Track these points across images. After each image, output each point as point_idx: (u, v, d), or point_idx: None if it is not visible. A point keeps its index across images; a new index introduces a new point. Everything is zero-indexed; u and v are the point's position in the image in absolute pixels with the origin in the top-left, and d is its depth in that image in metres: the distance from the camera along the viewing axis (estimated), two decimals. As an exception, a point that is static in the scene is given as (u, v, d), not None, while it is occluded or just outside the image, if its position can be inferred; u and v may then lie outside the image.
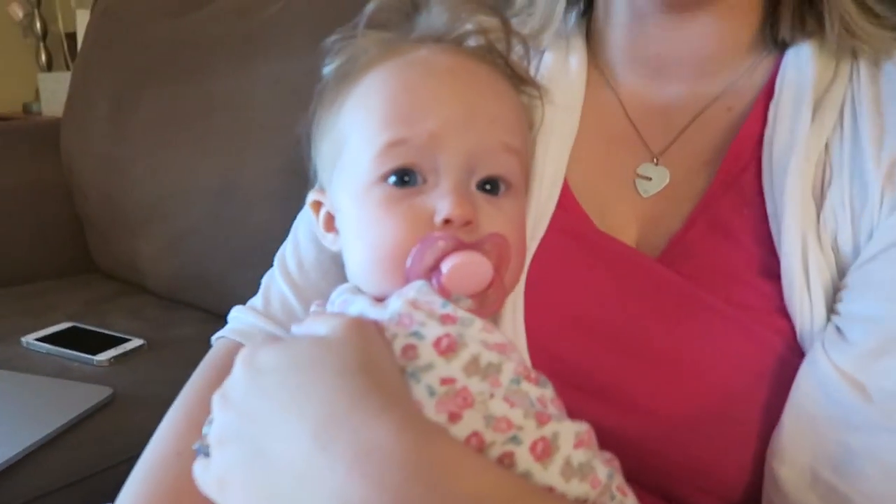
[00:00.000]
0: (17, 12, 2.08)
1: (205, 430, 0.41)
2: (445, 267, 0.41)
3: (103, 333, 1.02)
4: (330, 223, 0.49)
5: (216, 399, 0.40)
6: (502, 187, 0.46)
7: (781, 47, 0.53)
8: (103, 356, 0.94)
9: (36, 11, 2.05)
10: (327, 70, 0.49)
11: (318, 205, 0.50)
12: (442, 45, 0.47)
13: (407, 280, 0.42)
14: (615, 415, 0.46)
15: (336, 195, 0.48)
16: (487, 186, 0.45)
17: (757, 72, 0.54)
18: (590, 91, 0.57)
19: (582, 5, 0.60)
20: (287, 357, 0.39)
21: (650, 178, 0.53)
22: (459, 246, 0.42)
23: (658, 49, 0.55)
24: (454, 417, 0.37)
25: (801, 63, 0.50)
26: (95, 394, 0.83)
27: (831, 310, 0.45)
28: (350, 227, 0.46)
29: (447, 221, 0.41)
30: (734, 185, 0.50)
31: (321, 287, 0.55)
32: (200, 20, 1.23)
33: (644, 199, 0.53)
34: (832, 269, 0.46)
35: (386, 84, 0.45)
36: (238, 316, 0.57)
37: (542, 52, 0.58)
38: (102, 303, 1.18)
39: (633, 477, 0.43)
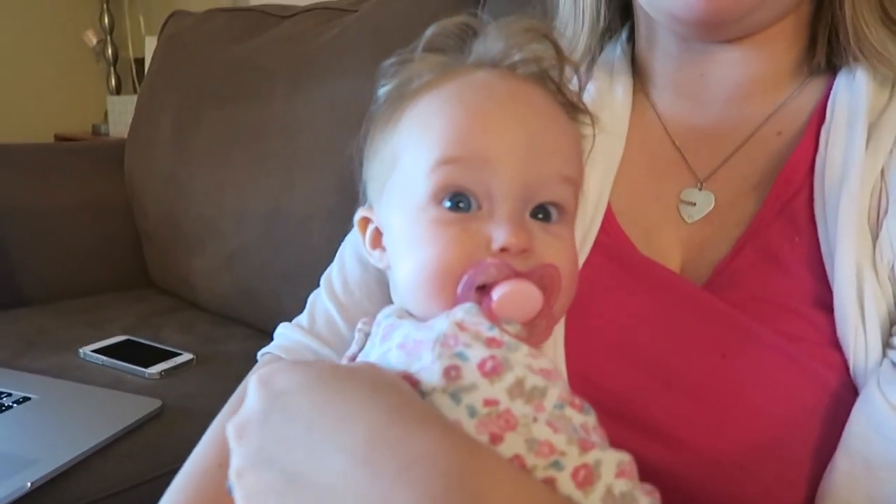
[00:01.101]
0: (91, 39, 2.20)
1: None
2: (496, 294, 0.41)
3: (155, 347, 1.05)
4: (377, 240, 0.49)
5: (231, 431, 0.37)
6: (556, 215, 0.45)
7: (833, 70, 0.52)
8: (154, 369, 0.96)
9: (108, 38, 2.16)
10: (382, 91, 0.49)
11: (365, 222, 0.50)
12: (499, 69, 0.47)
13: (456, 302, 0.42)
14: (657, 448, 0.45)
15: (386, 212, 0.47)
16: (540, 214, 0.44)
17: (806, 95, 0.53)
18: (635, 116, 0.57)
19: (625, 33, 0.60)
20: (310, 377, 0.38)
21: (694, 204, 0.53)
22: (511, 274, 0.42)
23: (700, 73, 0.54)
24: (496, 439, 0.37)
25: (854, 86, 0.49)
26: (146, 405, 0.85)
27: (887, 344, 0.43)
28: (400, 245, 0.46)
29: (503, 250, 0.41)
30: (784, 211, 0.49)
31: (365, 306, 0.55)
32: (259, 46, 1.26)
33: (688, 225, 0.52)
34: (889, 302, 0.44)
35: (445, 104, 0.45)
36: (283, 332, 0.57)
37: (588, 81, 0.58)
38: (156, 317, 1.21)
39: None
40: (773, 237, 0.48)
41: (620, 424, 0.44)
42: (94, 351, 1.03)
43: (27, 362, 0.99)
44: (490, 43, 0.48)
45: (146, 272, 1.41)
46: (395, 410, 0.35)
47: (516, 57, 0.48)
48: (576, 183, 0.47)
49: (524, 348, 0.40)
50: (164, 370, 0.97)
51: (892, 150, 0.46)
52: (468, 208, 0.43)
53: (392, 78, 0.49)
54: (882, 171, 0.46)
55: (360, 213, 0.50)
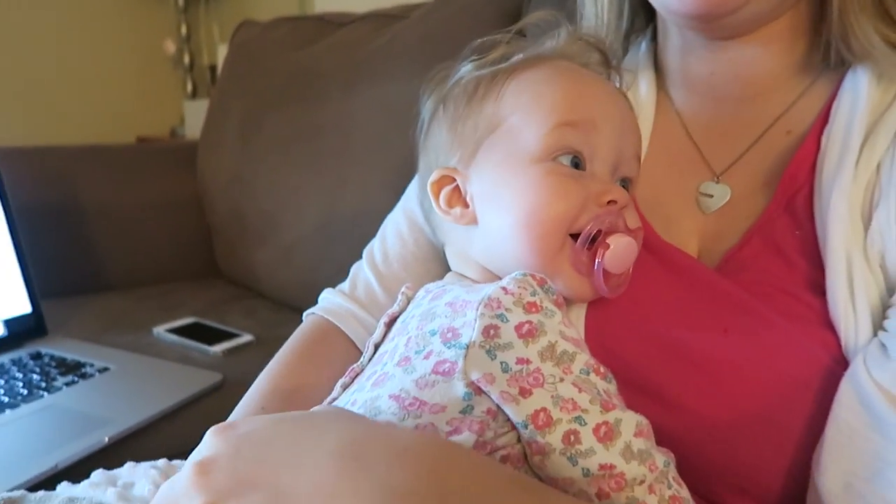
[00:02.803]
0: (170, 47, 2.33)
1: None
2: (613, 242, 0.47)
3: (220, 329, 1.12)
4: (456, 199, 0.52)
5: (189, 477, 0.35)
6: (629, 188, 0.52)
7: (843, 66, 0.53)
8: (217, 348, 1.03)
9: (185, 46, 2.28)
10: (468, 66, 0.54)
11: (444, 181, 0.52)
12: (575, 62, 0.53)
13: (579, 243, 0.47)
14: (661, 412, 0.47)
15: (479, 169, 0.51)
16: (622, 184, 0.51)
17: (816, 94, 0.54)
18: (658, 113, 0.60)
19: (650, 33, 0.63)
20: (273, 419, 0.38)
21: (712, 196, 0.55)
22: (624, 227, 0.48)
23: (711, 72, 0.57)
24: (525, 392, 0.40)
25: (858, 87, 0.50)
26: (208, 378, 0.91)
27: (880, 326, 0.45)
28: (501, 196, 0.50)
29: (611, 202, 0.48)
30: (789, 206, 0.51)
31: (401, 276, 0.61)
32: (317, 52, 1.32)
33: (706, 216, 0.55)
34: (881, 288, 0.46)
35: (553, 78, 0.51)
36: (327, 297, 0.64)
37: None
38: (223, 304, 1.28)
39: (680, 473, 0.44)
40: (778, 230, 0.51)
41: (630, 389, 0.47)
42: (166, 330, 1.10)
43: (108, 338, 1.06)
44: (563, 42, 0.54)
45: (215, 263, 1.48)
46: (370, 422, 0.39)
47: (584, 58, 0.54)
48: (640, 162, 0.54)
49: (559, 315, 0.44)
50: (226, 349, 1.03)
51: (888, 147, 0.48)
52: (581, 167, 0.49)
53: (480, 55, 0.54)
54: (878, 167, 0.47)
55: (436, 174, 0.53)
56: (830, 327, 0.46)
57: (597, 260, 0.47)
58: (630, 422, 0.41)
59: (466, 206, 0.52)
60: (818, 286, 0.47)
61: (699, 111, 0.59)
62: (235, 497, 0.33)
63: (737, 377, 0.47)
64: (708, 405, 0.47)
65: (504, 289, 0.44)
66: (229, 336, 1.08)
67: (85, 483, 0.54)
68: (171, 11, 2.17)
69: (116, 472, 0.56)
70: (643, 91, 0.60)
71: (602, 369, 0.44)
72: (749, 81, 0.56)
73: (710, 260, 0.53)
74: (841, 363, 0.45)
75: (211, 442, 0.36)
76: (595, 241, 0.47)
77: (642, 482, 0.40)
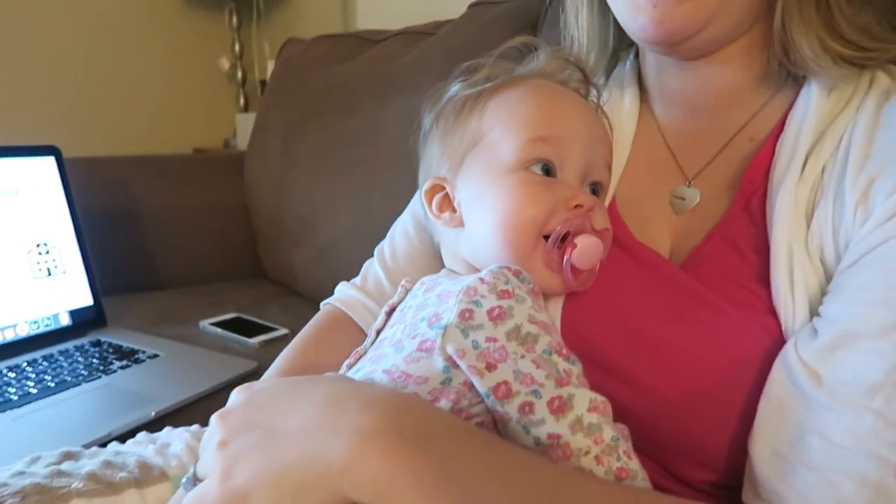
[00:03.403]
0: (225, 64, 2.45)
1: (191, 469, 0.44)
2: (580, 241, 0.52)
3: (259, 323, 1.20)
4: (446, 204, 0.59)
5: (214, 418, 0.42)
6: (599, 193, 0.58)
7: (802, 79, 0.56)
8: (255, 340, 1.12)
9: (238, 63, 2.41)
10: (455, 88, 0.60)
11: (435, 189, 0.59)
12: (553, 80, 0.59)
13: (549, 242, 0.53)
14: (623, 390, 0.51)
15: (465, 178, 0.57)
16: (592, 190, 0.57)
17: (777, 104, 0.57)
18: (640, 123, 0.64)
19: (633, 52, 0.68)
20: (280, 381, 0.45)
21: (683, 199, 0.59)
22: (590, 228, 0.54)
23: (681, 87, 0.61)
24: (490, 367, 0.45)
25: (810, 99, 0.54)
26: (244, 366, 0.99)
27: (815, 312, 0.48)
28: (482, 202, 0.56)
29: (578, 206, 0.53)
30: (747, 206, 0.54)
31: (407, 271, 0.68)
32: (352, 67, 1.40)
33: (678, 216, 0.59)
34: (820, 279, 0.49)
35: (528, 97, 0.57)
36: (341, 289, 0.72)
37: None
38: (263, 301, 1.36)
39: (639, 445, 0.48)
40: (736, 228, 0.54)
41: (601, 371, 0.52)
42: (211, 324, 1.20)
43: (159, 330, 1.16)
44: (543, 62, 0.60)
45: (259, 263, 1.57)
46: (350, 381, 0.45)
47: (560, 75, 0.60)
48: (610, 170, 0.59)
49: (529, 301, 0.49)
50: (263, 341, 1.12)
51: (833, 151, 0.50)
52: (552, 174, 0.55)
53: (467, 76, 0.60)
54: (822, 170, 0.51)
55: (429, 183, 0.60)
56: (774, 314, 0.49)
57: (565, 258, 0.52)
58: (584, 398, 0.45)
59: (454, 210, 0.58)
60: (766, 278, 0.50)
61: (675, 121, 0.63)
62: (240, 435, 0.41)
63: (688, 358, 0.50)
64: (663, 383, 0.51)
65: (481, 279, 0.49)
66: (266, 329, 1.17)
67: (130, 441, 0.63)
68: (226, 30, 2.29)
69: (157, 434, 0.65)
70: (627, 104, 0.65)
71: (565, 351, 0.48)
72: (716, 95, 0.60)
73: (679, 256, 0.57)
74: (780, 345, 0.48)
75: (233, 396, 0.45)
76: (564, 241, 0.53)
77: (587, 453, 0.44)
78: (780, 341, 0.48)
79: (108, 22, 1.95)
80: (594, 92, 0.62)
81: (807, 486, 0.43)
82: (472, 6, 1.26)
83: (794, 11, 0.53)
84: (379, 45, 1.42)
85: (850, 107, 0.52)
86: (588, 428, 0.44)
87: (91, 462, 0.56)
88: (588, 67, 0.64)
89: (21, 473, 0.53)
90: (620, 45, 0.68)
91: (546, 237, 0.53)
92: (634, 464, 0.45)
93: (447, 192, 0.58)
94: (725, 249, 0.54)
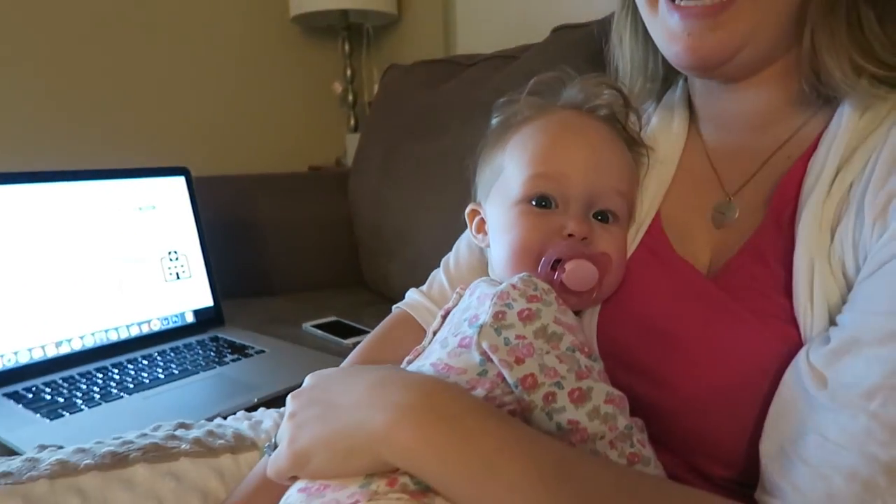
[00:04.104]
0: (338, 88, 2.61)
1: (273, 439, 0.55)
2: (568, 266, 0.58)
3: (355, 326, 1.30)
4: (481, 227, 0.68)
5: (289, 398, 0.52)
6: (611, 218, 0.62)
7: (838, 99, 0.57)
8: (349, 340, 1.21)
9: (350, 87, 2.57)
10: (495, 121, 0.69)
11: (474, 214, 0.70)
12: (578, 111, 0.65)
13: (540, 268, 0.59)
14: (650, 390, 0.56)
15: (490, 207, 0.66)
16: (600, 217, 0.62)
17: (814, 124, 0.59)
18: (688, 144, 0.68)
19: (684, 76, 0.71)
20: (343, 369, 0.54)
21: (723, 213, 0.62)
22: (579, 254, 0.58)
23: (723, 108, 0.64)
24: (519, 361, 0.50)
25: (842, 118, 0.55)
26: (335, 363, 1.04)
27: (832, 322, 0.50)
28: (498, 229, 0.64)
29: (570, 235, 0.59)
30: (778, 221, 0.56)
31: (468, 279, 0.73)
32: (446, 90, 1.48)
33: (718, 230, 0.62)
34: (842, 291, 0.50)
35: (536, 133, 0.64)
36: (410, 294, 0.80)
37: (651, 118, 0.72)
38: (361, 306, 1.46)
39: (663, 441, 0.53)
40: (766, 241, 0.56)
41: (631, 373, 0.57)
42: (312, 326, 1.31)
43: (268, 329, 1.27)
44: (573, 92, 0.67)
45: (360, 273, 1.68)
46: (398, 369, 0.53)
47: (593, 102, 0.66)
48: (626, 196, 0.63)
49: (555, 306, 0.55)
50: (356, 342, 1.16)
51: (861, 169, 0.51)
52: (549, 206, 0.61)
53: (501, 112, 0.69)
54: (850, 186, 0.52)
55: (470, 207, 0.70)
56: (794, 323, 0.51)
57: (556, 280, 0.57)
58: (601, 391, 0.50)
59: (486, 233, 0.66)
60: (790, 289, 0.52)
61: (719, 140, 0.66)
62: (305, 409, 0.50)
63: (709, 361, 0.54)
64: (686, 383, 0.55)
65: (513, 285, 0.55)
66: (360, 332, 1.26)
67: (230, 417, 0.74)
68: (339, 57, 2.44)
69: (252, 413, 0.76)
70: (675, 126, 0.69)
71: (587, 349, 0.53)
72: (755, 115, 0.62)
73: (716, 267, 0.59)
74: (796, 353, 0.49)
75: (306, 380, 0.55)
76: (557, 265, 0.58)
77: (602, 437, 0.48)
78: (797, 349, 0.50)
79: (232, 54, 2.14)
80: (633, 118, 0.66)
81: (802, 479, 0.45)
82: (555, 30, 1.31)
83: (823, 34, 0.55)
84: (470, 68, 1.50)
85: (884, 125, 0.53)
86: (604, 416, 0.49)
87: (198, 431, 0.67)
88: (633, 93, 0.68)
89: (144, 435, 0.65)
90: (670, 71, 0.71)
91: None
92: (648, 451, 0.49)
93: (481, 217, 0.67)
94: (754, 261, 0.56)
